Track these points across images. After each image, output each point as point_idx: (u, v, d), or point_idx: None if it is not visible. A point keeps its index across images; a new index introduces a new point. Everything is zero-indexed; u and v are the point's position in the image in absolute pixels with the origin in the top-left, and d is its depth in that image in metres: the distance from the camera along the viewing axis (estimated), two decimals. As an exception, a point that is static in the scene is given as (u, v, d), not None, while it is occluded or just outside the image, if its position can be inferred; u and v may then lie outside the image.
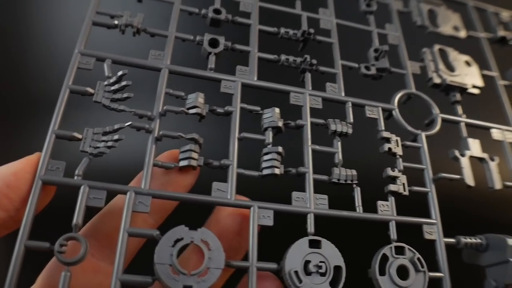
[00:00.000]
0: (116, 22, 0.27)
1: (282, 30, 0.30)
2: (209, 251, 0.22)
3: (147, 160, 0.24)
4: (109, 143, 0.24)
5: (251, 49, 0.29)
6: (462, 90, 0.32)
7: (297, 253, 0.23)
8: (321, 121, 0.28)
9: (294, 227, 0.24)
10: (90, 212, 0.23)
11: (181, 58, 0.28)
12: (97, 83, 0.25)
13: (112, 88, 0.25)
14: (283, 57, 0.29)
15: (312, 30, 0.31)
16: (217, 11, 0.30)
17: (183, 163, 0.24)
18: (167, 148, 0.26)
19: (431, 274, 0.25)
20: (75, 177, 0.23)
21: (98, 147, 0.24)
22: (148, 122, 0.25)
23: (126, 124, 0.24)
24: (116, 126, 0.24)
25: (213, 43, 0.28)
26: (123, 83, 0.25)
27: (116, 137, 0.24)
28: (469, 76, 0.32)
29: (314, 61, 0.29)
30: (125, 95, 0.25)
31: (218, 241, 0.22)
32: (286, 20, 0.31)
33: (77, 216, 0.21)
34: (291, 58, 0.29)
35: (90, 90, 0.25)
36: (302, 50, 0.31)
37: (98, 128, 0.24)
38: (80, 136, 0.24)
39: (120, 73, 0.25)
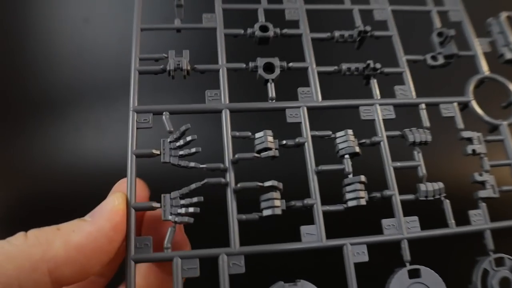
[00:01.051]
0: (162, 66, 0.25)
1: (337, 33, 0.28)
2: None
3: (231, 216, 0.23)
4: (191, 209, 0.23)
5: (309, 65, 0.27)
6: (540, 62, 0.29)
7: (399, 286, 0.23)
8: (397, 133, 0.26)
9: (386, 255, 0.24)
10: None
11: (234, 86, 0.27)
12: (161, 142, 0.24)
13: (177, 144, 0.24)
14: (343, 66, 0.27)
15: (368, 28, 0.28)
16: (264, 28, 0.27)
17: (266, 212, 0.24)
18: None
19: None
20: (165, 250, 0.22)
21: (180, 214, 0.23)
22: (222, 174, 0.24)
23: (202, 182, 0.23)
24: (193, 186, 0.23)
25: (269, 67, 0.26)
26: (188, 138, 0.24)
27: (195, 199, 0.23)
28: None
29: (378, 65, 0.27)
30: (193, 149, 0.24)
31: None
32: (327, 22, 0.28)
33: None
34: (352, 67, 0.27)
35: (155, 152, 0.24)
36: (358, 49, 0.29)
37: (174, 192, 0.23)
38: (159, 205, 0.23)
39: (183, 128, 0.24)
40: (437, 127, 0.27)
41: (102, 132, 0.34)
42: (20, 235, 0.20)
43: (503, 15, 0.30)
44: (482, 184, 0.26)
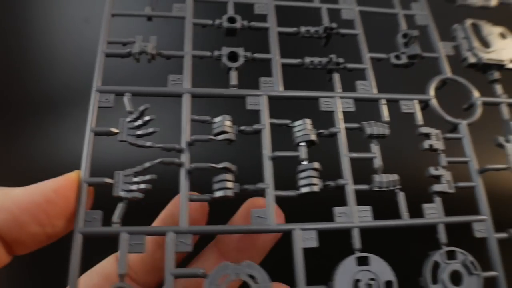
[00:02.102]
0: (129, 50, 0.26)
1: (303, 29, 0.29)
2: (257, 284, 0.22)
3: (182, 196, 0.23)
4: (142, 186, 0.23)
5: (272, 56, 0.28)
6: (500, 67, 0.30)
7: (346, 273, 0.23)
8: (355, 125, 0.26)
9: (337, 243, 0.24)
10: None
11: (203, 73, 0.27)
12: (119, 121, 0.24)
13: (136, 124, 0.24)
14: (307, 59, 0.28)
15: (334, 25, 0.29)
16: (231, 20, 0.28)
17: (218, 193, 0.24)
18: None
19: (485, 274, 0.24)
20: (113, 225, 0.22)
21: (132, 190, 0.23)
22: (177, 155, 0.24)
23: (156, 161, 0.24)
24: (146, 165, 0.24)
25: (233, 56, 0.27)
26: (146, 118, 0.24)
27: (148, 177, 0.23)
28: (506, 50, 0.30)
29: (341, 60, 0.28)
30: (150, 129, 0.24)
31: (264, 273, 0.22)
32: (301, 19, 0.29)
33: (121, 266, 0.21)
34: (315, 60, 0.28)
35: (114, 130, 0.24)
36: (325, 46, 0.29)
37: (128, 170, 0.24)
38: (111, 181, 0.23)
39: (141, 108, 0.24)
40: (402, 122, 0.27)
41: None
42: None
43: (468, 22, 0.31)
44: (438, 179, 0.26)
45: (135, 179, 0.23)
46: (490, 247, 0.25)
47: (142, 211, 0.26)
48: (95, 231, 0.22)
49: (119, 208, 0.23)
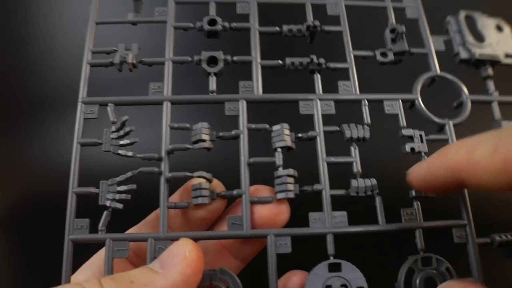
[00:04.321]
0: (111, 60, 0.27)
1: (285, 27, 0.28)
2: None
3: (162, 203, 0.25)
4: (123, 196, 0.24)
5: (253, 58, 0.27)
6: (494, 63, 0.28)
7: (317, 280, 0.23)
8: (334, 128, 0.26)
9: (315, 249, 0.24)
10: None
11: (185, 78, 0.28)
12: (103, 131, 0.26)
13: (118, 135, 0.25)
14: (288, 60, 0.27)
15: (317, 22, 0.28)
16: (212, 22, 0.28)
17: (195, 201, 0.25)
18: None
19: (463, 280, 0.24)
20: (99, 232, 0.24)
21: (115, 199, 0.25)
22: (157, 164, 0.25)
23: (137, 170, 0.25)
24: (129, 174, 0.25)
25: (213, 60, 0.27)
26: (127, 129, 0.25)
27: (128, 187, 0.25)
28: (501, 44, 0.28)
29: (322, 60, 0.27)
30: (131, 139, 0.25)
31: (236, 279, 0.23)
32: (287, 19, 0.29)
33: (107, 269, 0.23)
34: (296, 61, 0.27)
35: (98, 141, 0.25)
36: (311, 43, 0.29)
37: (112, 179, 0.25)
38: (97, 191, 0.25)
39: (123, 119, 0.25)
40: (387, 124, 0.27)
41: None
42: (95, 282, 0.20)
43: (462, 14, 0.29)
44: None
45: (119, 188, 0.25)
46: (470, 253, 0.25)
47: (128, 216, 0.27)
48: (83, 238, 0.24)
49: (104, 216, 0.24)
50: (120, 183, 0.25)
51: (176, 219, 0.26)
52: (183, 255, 0.22)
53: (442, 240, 0.25)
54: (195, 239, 0.25)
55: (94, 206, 0.24)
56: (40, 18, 0.48)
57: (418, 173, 0.23)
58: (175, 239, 0.24)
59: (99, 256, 0.27)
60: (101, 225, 0.24)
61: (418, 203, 0.26)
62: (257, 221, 0.25)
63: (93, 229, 0.24)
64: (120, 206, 0.24)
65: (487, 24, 0.29)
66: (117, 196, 0.25)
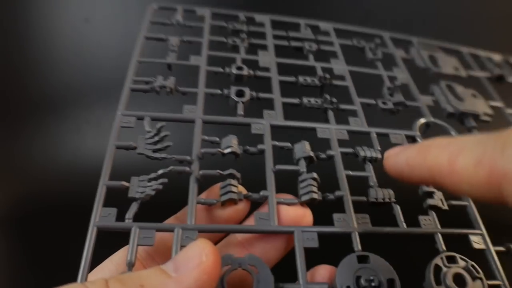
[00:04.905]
0: (150, 86, 0.30)
1: (301, 78, 0.33)
2: (257, 274, 0.22)
3: (191, 198, 0.25)
4: (154, 186, 0.25)
5: (274, 96, 0.32)
6: (475, 117, 0.34)
7: (347, 269, 0.23)
8: (349, 150, 0.29)
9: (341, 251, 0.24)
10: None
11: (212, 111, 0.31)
12: (138, 137, 0.27)
13: (153, 140, 0.27)
14: (305, 100, 0.32)
15: (327, 76, 0.33)
16: (239, 68, 0.33)
17: (224, 197, 0.26)
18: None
19: (489, 282, 0.24)
20: (126, 220, 0.24)
21: (144, 192, 0.25)
22: (188, 165, 0.27)
23: (168, 168, 0.26)
24: (160, 172, 0.26)
25: (240, 94, 0.31)
26: (162, 134, 0.27)
27: (160, 181, 0.25)
28: (479, 105, 0.34)
29: (334, 100, 0.31)
30: (165, 144, 0.27)
31: (265, 265, 0.23)
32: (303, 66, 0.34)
33: (131, 255, 0.22)
34: (312, 100, 0.32)
35: (133, 144, 0.27)
36: (321, 94, 0.34)
37: (143, 176, 0.26)
38: (127, 185, 0.25)
39: (158, 125, 0.28)
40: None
41: (102, 132, 0.36)
42: (101, 283, 0.19)
43: (443, 83, 0.36)
44: (430, 195, 0.28)
45: (149, 184, 0.26)
46: (490, 259, 0.26)
47: (153, 215, 0.27)
48: (109, 225, 0.24)
49: (133, 207, 0.25)
50: (150, 180, 0.26)
51: (201, 221, 0.26)
52: (199, 259, 0.20)
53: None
54: (223, 232, 0.25)
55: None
56: (40, 18, 0.48)
57: (395, 164, 0.22)
58: (203, 230, 0.24)
59: (112, 260, 0.26)
60: (128, 214, 0.24)
61: (433, 212, 0.27)
62: (283, 221, 0.25)
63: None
64: (152, 192, 0.25)
65: (464, 92, 0.35)
66: (147, 190, 0.25)
